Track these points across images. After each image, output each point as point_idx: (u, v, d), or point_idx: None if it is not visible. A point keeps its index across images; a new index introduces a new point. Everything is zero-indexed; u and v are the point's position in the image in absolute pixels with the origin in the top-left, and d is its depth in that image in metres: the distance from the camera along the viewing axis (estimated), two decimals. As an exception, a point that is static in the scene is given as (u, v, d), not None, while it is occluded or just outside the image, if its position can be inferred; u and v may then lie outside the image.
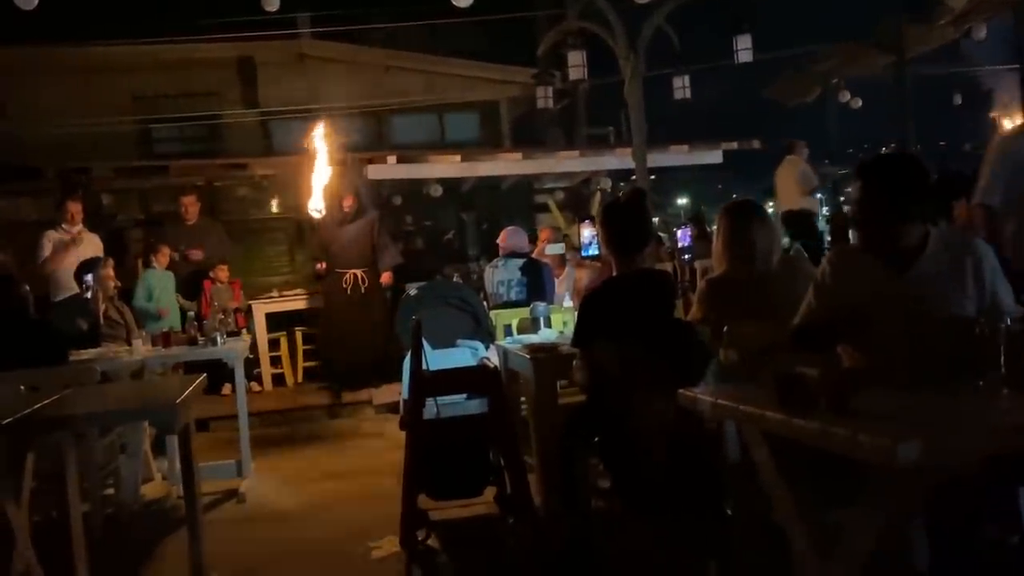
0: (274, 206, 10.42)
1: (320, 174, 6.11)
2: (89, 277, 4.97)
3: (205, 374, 3.40)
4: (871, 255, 2.62)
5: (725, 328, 3.38)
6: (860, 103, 11.93)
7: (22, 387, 3.68)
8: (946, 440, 1.75)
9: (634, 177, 8.58)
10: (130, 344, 5.00)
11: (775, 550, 2.45)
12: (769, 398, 2.06)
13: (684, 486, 3.02)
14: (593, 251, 4.88)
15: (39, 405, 2.78)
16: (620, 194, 3.52)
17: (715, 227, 3.57)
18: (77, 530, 3.07)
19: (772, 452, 2.19)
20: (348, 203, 7.26)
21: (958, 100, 12.67)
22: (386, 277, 7.31)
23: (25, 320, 4.40)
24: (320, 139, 5.88)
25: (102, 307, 4.95)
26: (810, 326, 2.67)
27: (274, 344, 8.23)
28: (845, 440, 1.77)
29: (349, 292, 7.13)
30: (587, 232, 4.88)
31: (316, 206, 6.29)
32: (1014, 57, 9.99)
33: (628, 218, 3.32)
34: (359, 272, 7.16)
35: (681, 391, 2.42)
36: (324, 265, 7.26)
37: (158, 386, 3.52)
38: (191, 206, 8.00)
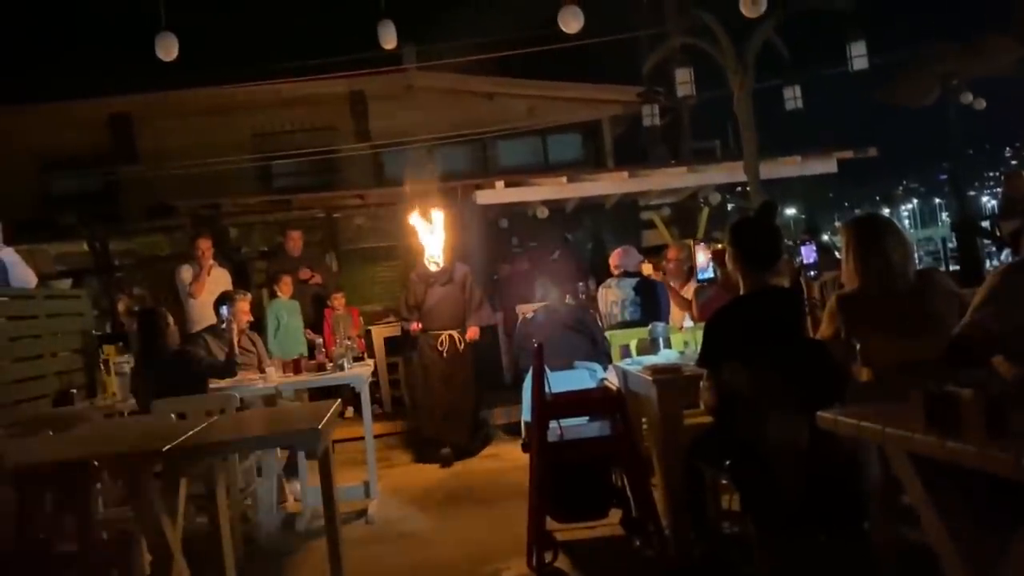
0: (389, 234, 10.74)
1: (429, 233, 6.50)
2: (224, 310, 5.25)
3: (339, 400, 3.54)
4: None
5: (858, 346, 3.30)
6: (984, 104, 11.34)
7: (172, 415, 3.94)
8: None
9: (739, 189, 8.43)
10: (263, 371, 5.26)
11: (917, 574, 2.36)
12: (916, 418, 2.00)
13: (820, 508, 2.95)
14: (709, 274, 4.79)
15: (192, 432, 2.96)
16: (749, 210, 3.48)
17: (842, 242, 3.47)
18: (227, 546, 3.25)
19: (920, 473, 2.12)
20: (439, 264, 6.72)
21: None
22: (472, 332, 6.71)
23: (168, 351, 4.71)
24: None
25: (236, 338, 5.22)
26: (969, 339, 2.55)
27: (392, 367, 8.46)
28: (1007, 463, 1.70)
29: (444, 354, 6.62)
30: (702, 256, 4.77)
31: (433, 257, 6.59)
32: None
33: (759, 234, 3.28)
34: (455, 333, 6.64)
35: (821, 413, 2.36)
36: (418, 326, 6.73)
37: (297, 412, 3.69)
38: (296, 240, 8.32)
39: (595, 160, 13.22)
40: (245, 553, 4.47)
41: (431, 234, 6.59)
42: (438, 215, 6.57)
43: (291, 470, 5.36)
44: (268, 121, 11.91)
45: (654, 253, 7.72)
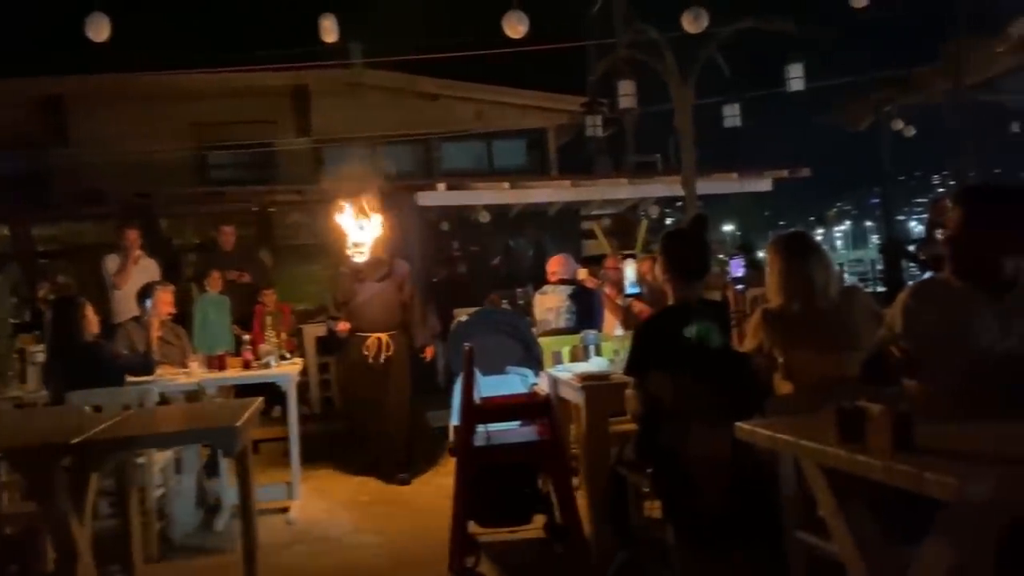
0: (326, 232, 10.58)
1: (358, 217, 5.61)
2: (147, 302, 5.10)
3: (261, 398, 3.46)
4: (965, 285, 2.59)
5: (780, 359, 3.36)
6: (913, 131, 11.76)
7: (86, 407, 3.80)
8: (1018, 478, 1.71)
9: (680, 203, 8.58)
10: (186, 367, 5.11)
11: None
12: (829, 432, 2.03)
13: (739, 519, 2.99)
14: (635, 289, 4.81)
15: (104, 426, 2.86)
16: (682, 222, 3.55)
17: (767, 259, 3.54)
18: (136, 545, 3.14)
19: (831, 485, 2.16)
20: (364, 254, 5.76)
21: (1015, 128, 12.42)
22: (429, 352, 6.10)
23: (82, 342, 4.53)
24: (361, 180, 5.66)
25: (156, 332, 5.08)
26: (879, 357, 2.62)
27: (324, 368, 8.33)
28: (911, 477, 1.74)
29: (371, 359, 5.76)
30: (630, 270, 4.79)
31: (357, 245, 5.63)
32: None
33: (689, 245, 3.32)
34: (384, 336, 5.79)
35: (739, 424, 2.39)
36: (347, 325, 5.96)
37: (217, 409, 3.59)
38: (229, 235, 8.17)
39: (540, 168, 13.28)
40: (160, 552, 4.35)
41: (361, 223, 5.67)
42: (373, 204, 5.72)
43: (212, 469, 5.22)
44: (207, 111, 11.61)
45: (593, 263, 7.79)
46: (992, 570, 2.27)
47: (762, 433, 2.27)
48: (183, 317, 7.10)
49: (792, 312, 3.31)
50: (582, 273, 6.32)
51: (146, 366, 4.68)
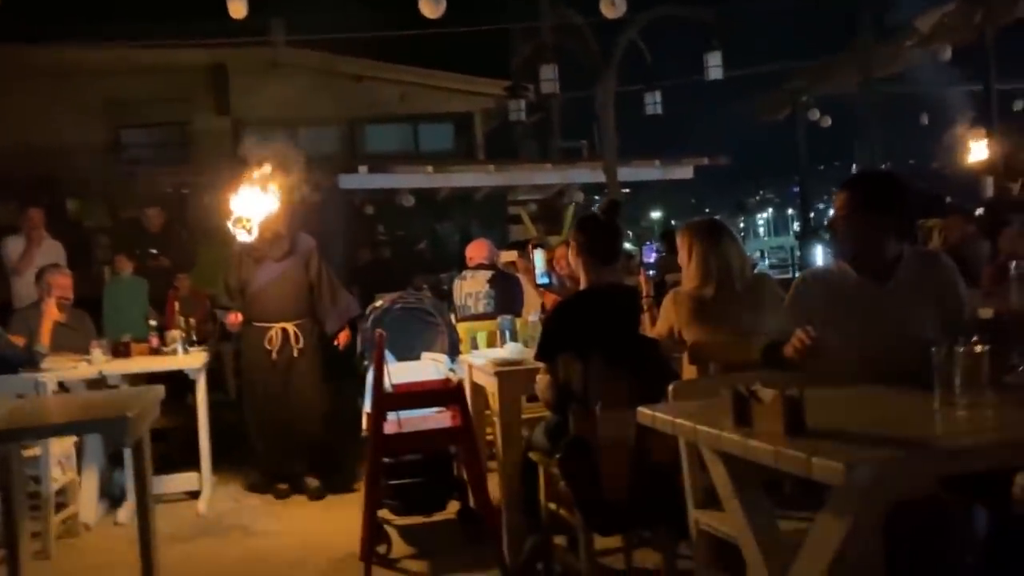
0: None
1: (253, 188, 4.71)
2: (42, 284, 4.87)
3: (162, 386, 3.33)
4: (850, 268, 2.66)
5: (688, 342, 3.41)
6: (829, 121, 12.10)
7: (-28, 397, 3.60)
8: (899, 463, 1.75)
9: (607, 190, 8.64)
10: (88, 353, 4.90)
11: (736, 569, 2.45)
12: (726, 417, 2.05)
13: (645, 504, 3.01)
14: (544, 280, 4.80)
15: (-14, 417, 2.70)
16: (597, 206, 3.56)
17: (682, 244, 3.59)
18: (23, 545, 2.99)
19: (729, 469, 2.18)
20: (270, 234, 4.90)
21: (925, 120, 12.88)
22: (343, 337, 5.16)
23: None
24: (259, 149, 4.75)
25: (51, 318, 4.85)
26: (777, 343, 2.68)
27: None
28: (799, 462, 1.76)
29: (275, 355, 4.97)
30: (540, 259, 4.77)
31: (243, 220, 4.69)
32: (978, 77, 10.18)
33: (603, 230, 3.32)
34: (291, 327, 4.99)
35: (640, 408, 2.40)
36: (237, 317, 5.05)
37: (112, 398, 3.44)
38: (155, 217, 7.88)
39: (467, 152, 13.21)
40: (58, 546, 4.18)
41: (251, 193, 4.71)
42: (273, 175, 4.73)
43: (118, 459, 5.03)
44: (120, 88, 11.15)
45: (519, 247, 7.78)
46: (880, 547, 2.34)
47: (663, 418, 2.27)
48: (96, 302, 6.83)
49: (706, 295, 3.40)
50: (510, 256, 6.29)
51: (29, 360, 4.42)
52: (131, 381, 4.74)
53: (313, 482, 4.96)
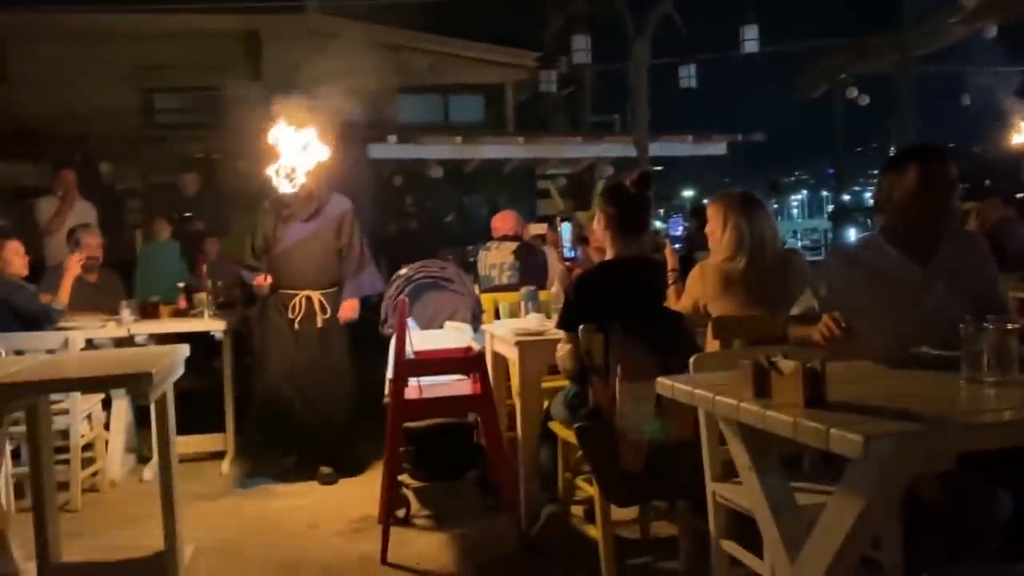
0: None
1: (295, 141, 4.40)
2: (72, 244, 4.95)
3: (187, 344, 3.37)
4: (888, 245, 2.60)
5: (713, 314, 3.38)
6: (867, 100, 11.85)
7: (2, 352, 3.67)
8: (919, 437, 1.71)
9: (639, 165, 8.57)
10: (117, 314, 4.97)
11: (752, 542, 2.43)
12: (746, 388, 2.02)
13: (663, 477, 3.00)
14: (571, 253, 4.76)
15: (14, 370, 2.75)
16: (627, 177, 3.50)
17: (715, 214, 3.54)
18: (50, 497, 3.06)
19: (746, 441, 2.16)
20: (294, 182, 4.43)
21: (967, 101, 12.57)
22: (347, 308, 4.66)
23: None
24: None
25: (72, 275, 4.90)
26: (806, 319, 2.64)
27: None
28: (817, 434, 1.73)
29: (297, 326, 4.59)
30: (567, 232, 4.73)
31: (287, 169, 4.37)
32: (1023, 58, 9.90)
33: (633, 200, 3.28)
34: (316, 295, 4.62)
35: (660, 379, 2.38)
36: (266, 279, 4.62)
37: (136, 355, 3.49)
38: (191, 183, 7.98)
39: (498, 125, 13.13)
40: (84, 500, 4.28)
41: (300, 141, 4.42)
42: (309, 127, 4.44)
43: (145, 418, 5.11)
44: (153, 54, 11.19)
45: (548, 221, 7.75)
46: (898, 528, 2.31)
47: (681, 388, 2.25)
48: (130, 264, 6.94)
49: (736, 267, 3.36)
50: (539, 229, 6.25)
51: (47, 315, 4.47)
52: (160, 342, 4.81)
53: (325, 469, 4.58)
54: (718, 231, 3.47)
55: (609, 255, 3.33)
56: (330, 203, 4.72)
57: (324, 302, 4.63)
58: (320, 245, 4.68)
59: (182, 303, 5.26)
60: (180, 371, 3.18)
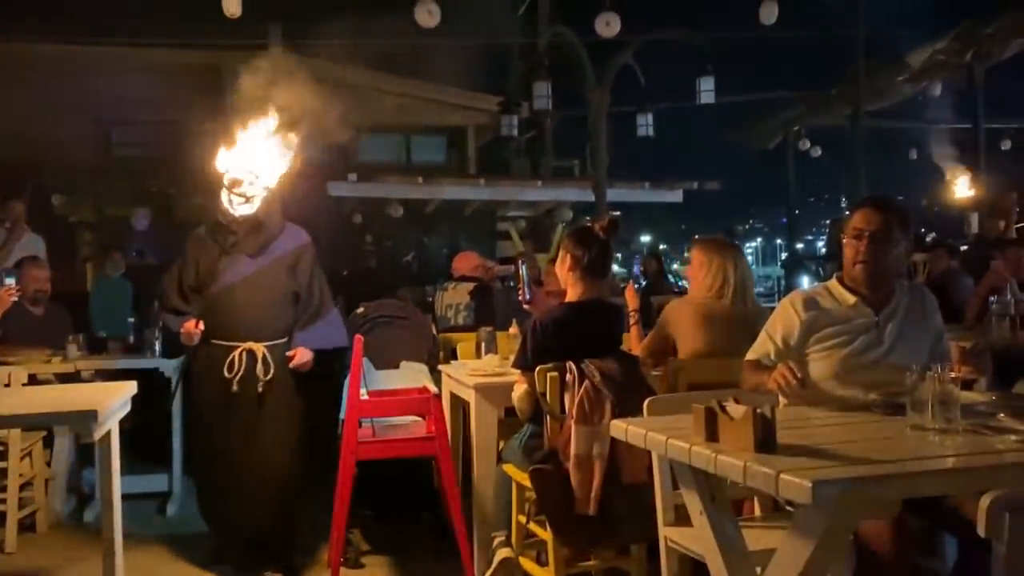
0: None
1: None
2: (9, 279, 4.79)
3: (135, 381, 3.29)
4: (845, 291, 2.67)
5: (679, 353, 3.42)
6: (820, 152, 12.20)
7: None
8: (866, 483, 1.74)
9: (597, 210, 8.67)
10: (64, 348, 4.85)
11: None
12: (699, 432, 2.04)
13: (616, 520, 2.99)
14: (528, 295, 4.73)
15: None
16: (592, 221, 3.56)
17: (699, 257, 3.62)
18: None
19: (698, 485, 2.17)
20: (248, 199, 3.56)
21: (914, 155, 13.01)
22: (300, 354, 3.68)
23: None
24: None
25: (22, 310, 4.77)
26: (762, 361, 2.69)
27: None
28: (767, 479, 1.75)
29: (236, 387, 3.56)
30: (525, 274, 4.71)
31: (239, 185, 3.52)
32: (967, 115, 10.31)
33: (601, 244, 3.32)
34: (259, 348, 3.60)
35: (614, 421, 2.38)
36: (198, 326, 3.60)
37: (82, 391, 3.40)
38: (142, 218, 7.89)
39: (459, 167, 13.24)
40: (20, 542, 4.12)
41: (250, 155, 3.57)
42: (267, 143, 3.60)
43: (88, 456, 4.97)
44: (112, 86, 11.11)
45: (508, 263, 7.78)
46: (850, 569, 2.32)
47: (634, 431, 2.26)
48: (81, 298, 6.81)
49: (723, 304, 3.48)
50: (507, 271, 6.32)
51: None
52: (108, 379, 4.69)
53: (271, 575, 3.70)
54: (702, 271, 3.57)
55: (571, 297, 3.35)
56: (283, 235, 3.76)
57: (269, 357, 3.60)
58: (269, 285, 3.68)
59: (131, 339, 5.16)
60: (127, 409, 3.10)
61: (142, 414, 3.78)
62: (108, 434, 2.92)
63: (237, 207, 3.54)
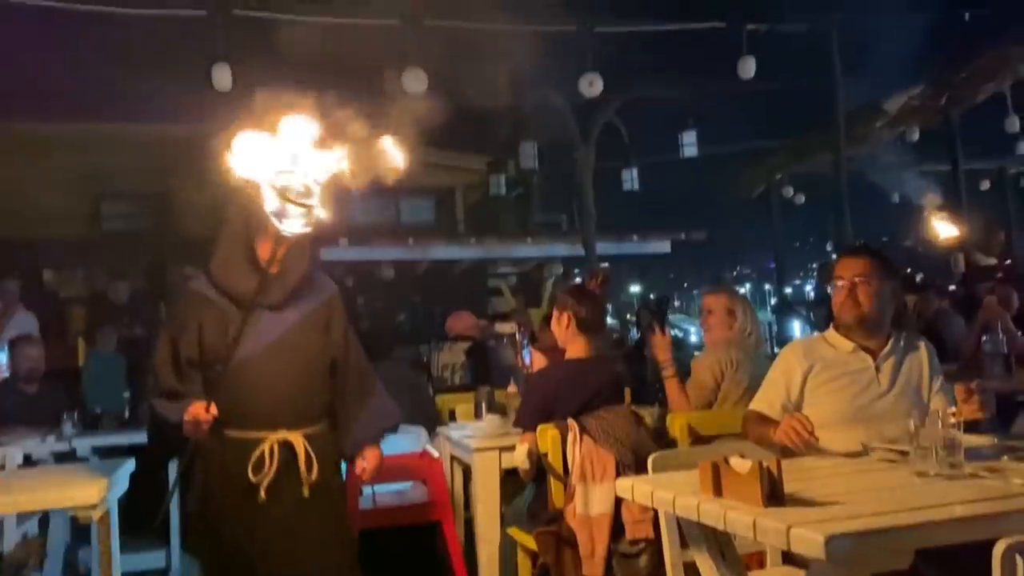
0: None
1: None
2: (2, 356, 4.78)
3: (133, 458, 3.26)
4: (842, 339, 2.69)
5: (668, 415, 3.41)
6: (803, 199, 12.36)
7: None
8: (880, 536, 1.73)
9: (586, 264, 8.75)
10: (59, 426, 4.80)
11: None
12: (706, 488, 2.03)
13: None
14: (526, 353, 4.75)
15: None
16: (587, 278, 3.58)
17: (725, 305, 3.63)
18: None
19: (708, 541, 2.15)
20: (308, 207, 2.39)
21: (896, 198, 13.17)
22: (372, 459, 2.76)
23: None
24: None
25: (16, 388, 4.73)
26: (766, 412, 2.68)
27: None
28: (778, 534, 1.74)
29: (264, 495, 2.54)
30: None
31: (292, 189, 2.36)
32: (945, 158, 10.50)
33: (596, 300, 3.35)
34: (298, 439, 2.60)
35: (619, 480, 2.37)
36: (210, 409, 2.46)
37: (78, 474, 3.35)
38: (120, 291, 7.91)
39: (448, 226, 13.32)
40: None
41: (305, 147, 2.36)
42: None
43: (83, 534, 4.87)
44: (101, 160, 11.19)
45: (501, 319, 7.81)
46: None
47: (640, 489, 2.25)
48: (74, 374, 6.75)
49: (755, 342, 3.60)
50: (505, 328, 6.37)
51: None
52: (104, 455, 4.64)
53: None
54: (731, 316, 3.56)
55: (571, 354, 3.36)
56: (316, 283, 2.76)
57: (311, 451, 2.60)
58: (303, 347, 2.67)
59: (126, 414, 5.12)
60: (124, 486, 3.07)
61: (139, 489, 3.74)
62: (107, 514, 2.88)
63: (290, 222, 2.40)
